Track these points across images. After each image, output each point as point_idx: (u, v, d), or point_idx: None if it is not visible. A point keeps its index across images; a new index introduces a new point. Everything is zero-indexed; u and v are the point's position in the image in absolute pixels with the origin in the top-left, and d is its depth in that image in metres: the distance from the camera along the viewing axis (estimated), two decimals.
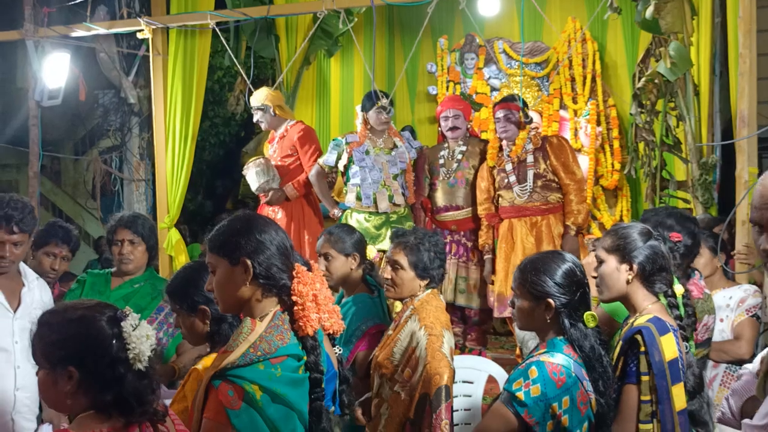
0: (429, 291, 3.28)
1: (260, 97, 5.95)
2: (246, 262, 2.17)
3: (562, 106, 7.24)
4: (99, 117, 9.63)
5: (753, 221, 1.85)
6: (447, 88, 7.74)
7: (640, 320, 2.74)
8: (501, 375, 3.98)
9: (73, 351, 1.86)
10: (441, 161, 5.76)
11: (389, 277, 3.30)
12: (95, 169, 9.26)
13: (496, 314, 5.50)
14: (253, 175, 5.83)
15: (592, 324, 2.62)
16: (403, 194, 5.58)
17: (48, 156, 8.70)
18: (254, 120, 6.10)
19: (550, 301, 2.61)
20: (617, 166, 6.94)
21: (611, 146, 7.06)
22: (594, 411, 2.57)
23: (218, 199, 10.89)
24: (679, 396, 2.67)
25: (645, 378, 2.67)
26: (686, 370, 2.76)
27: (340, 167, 5.73)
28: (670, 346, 2.68)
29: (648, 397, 2.66)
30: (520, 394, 2.49)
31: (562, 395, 2.48)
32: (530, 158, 5.38)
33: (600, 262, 2.88)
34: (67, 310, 1.98)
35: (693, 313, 3.02)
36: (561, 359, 2.54)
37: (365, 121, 5.61)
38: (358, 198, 5.55)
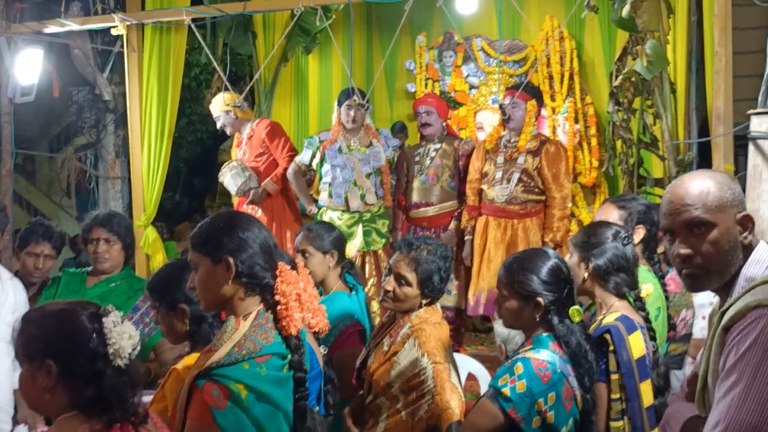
0: (428, 306, 3.10)
1: (216, 106, 5.94)
2: (228, 260, 2.15)
3: (541, 104, 7.25)
4: (73, 114, 9.51)
5: (663, 229, 1.92)
6: (425, 85, 7.73)
7: (609, 318, 2.77)
8: (480, 372, 3.98)
9: (52, 344, 1.84)
10: (417, 158, 5.77)
11: (391, 289, 3.08)
12: (70, 166, 9.15)
13: (468, 312, 5.52)
14: (229, 179, 5.81)
15: (577, 318, 2.63)
16: (376, 193, 5.56)
17: (22, 154, 8.58)
18: (218, 127, 6.08)
19: (540, 300, 2.60)
20: (595, 163, 6.96)
21: (589, 144, 7.08)
22: (579, 407, 2.58)
23: (195, 197, 10.81)
24: (646, 392, 2.71)
25: (614, 377, 2.70)
26: (653, 368, 2.79)
27: (315, 165, 5.72)
28: (637, 344, 2.71)
29: (618, 395, 2.70)
30: (506, 390, 2.49)
31: (548, 391, 2.48)
32: (521, 159, 5.36)
33: (569, 254, 2.94)
34: (49, 305, 1.97)
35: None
36: (547, 355, 2.55)
37: (339, 118, 5.59)
38: (330, 196, 5.52)
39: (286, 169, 5.80)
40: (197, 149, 10.61)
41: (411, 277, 3.05)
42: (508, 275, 2.68)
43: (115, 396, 1.83)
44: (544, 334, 2.62)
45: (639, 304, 2.86)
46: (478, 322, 6.65)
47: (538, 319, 2.62)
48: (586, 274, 2.86)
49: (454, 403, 2.85)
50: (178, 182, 10.52)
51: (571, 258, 2.91)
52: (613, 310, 2.80)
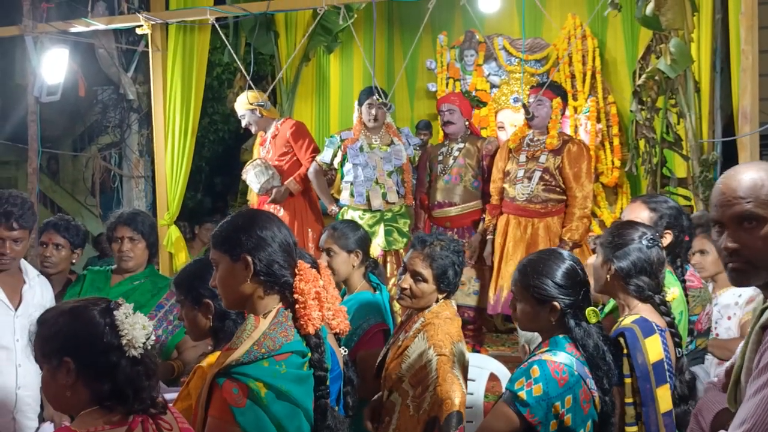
0: (442, 301, 3.13)
1: (241, 104, 5.96)
2: (246, 258, 2.16)
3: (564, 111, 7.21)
4: (98, 113, 9.60)
5: (713, 220, 1.83)
6: (446, 84, 7.74)
7: (626, 321, 2.74)
8: (503, 372, 3.96)
9: (67, 341, 1.87)
10: (440, 158, 5.75)
11: (407, 287, 3.11)
12: (95, 165, 9.23)
13: (489, 311, 5.51)
14: (253, 177, 5.83)
15: (594, 320, 2.59)
16: (398, 192, 5.56)
17: (46, 153, 8.67)
18: (243, 125, 6.11)
19: (556, 304, 2.56)
20: (617, 163, 6.94)
21: (611, 143, 7.06)
22: (598, 409, 2.55)
23: (217, 197, 10.85)
24: (664, 398, 2.66)
25: (628, 380, 2.67)
26: (676, 375, 2.75)
27: (336, 164, 5.73)
28: (654, 348, 2.67)
29: (631, 399, 2.66)
30: (522, 394, 2.46)
31: (565, 394, 2.45)
32: (543, 158, 5.33)
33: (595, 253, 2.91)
34: (61, 305, 2.00)
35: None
36: (563, 357, 2.51)
37: (360, 116, 5.61)
38: (352, 195, 5.54)
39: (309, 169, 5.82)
40: (219, 149, 10.65)
41: (426, 273, 3.08)
42: (523, 279, 2.63)
43: (131, 387, 1.86)
44: (561, 336, 2.58)
45: (664, 309, 2.81)
46: (499, 323, 6.64)
47: (554, 323, 2.59)
48: (608, 276, 2.82)
49: (454, 395, 2.87)
50: (200, 181, 10.56)
51: (597, 258, 2.88)
52: (634, 313, 2.77)
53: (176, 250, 6.36)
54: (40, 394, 3.51)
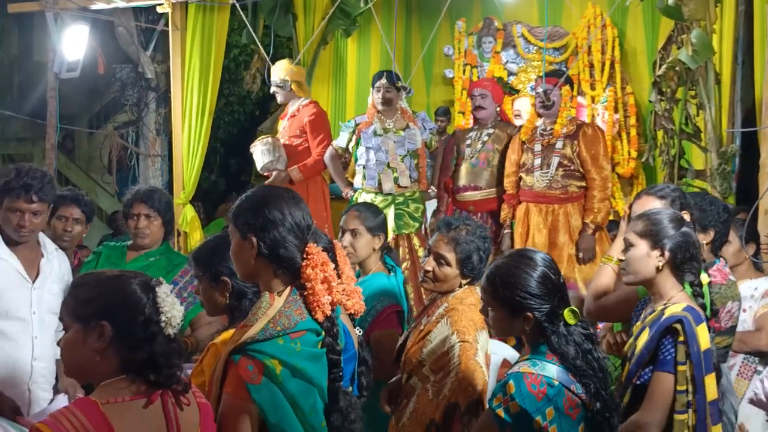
0: (466, 287, 3.10)
1: (281, 70, 5.94)
2: (252, 239, 2.16)
3: (580, 93, 7.19)
4: (116, 92, 9.61)
5: None
6: (463, 71, 7.73)
7: (675, 309, 2.69)
8: (515, 358, 3.95)
9: (108, 306, 1.87)
10: (468, 141, 5.74)
11: (431, 269, 3.07)
12: (112, 143, 9.25)
13: None
14: (258, 154, 5.83)
15: (573, 321, 2.44)
16: (411, 176, 5.55)
17: (62, 131, 8.70)
18: (271, 91, 6.10)
19: (529, 314, 2.43)
20: (633, 154, 6.92)
21: (628, 134, 7.04)
22: (592, 410, 2.43)
23: (232, 178, 10.87)
24: (710, 386, 2.64)
25: (682, 368, 2.62)
26: None
27: (351, 148, 5.73)
28: (704, 336, 2.64)
29: (684, 387, 2.62)
30: (500, 412, 2.37)
31: (545, 407, 2.34)
32: (559, 144, 5.32)
33: (629, 245, 2.84)
34: (102, 271, 2.00)
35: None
36: (542, 368, 2.39)
37: (373, 100, 5.61)
38: (365, 178, 5.55)
39: (315, 162, 5.82)
40: (234, 130, 10.65)
41: (450, 257, 3.06)
42: (492, 289, 2.50)
43: (165, 360, 1.87)
44: (542, 342, 2.45)
45: (698, 291, 2.78)
46: None
47: (528, 331, 2.47)
48: (660, 263, 2.75)
49: (477, 382, 2.85)
50: (215, 163, 10.57)
51: (637, 248, 2.80)
52: (675, 301, 2.72)
53: (191, 230, 6.38)
54: (55, 366, 3.55)
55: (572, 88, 5.55)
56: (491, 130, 5.70)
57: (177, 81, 6.51)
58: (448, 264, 3.06)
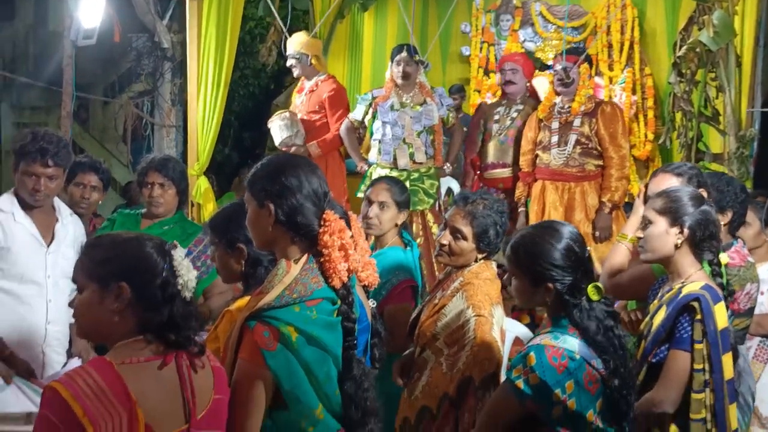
0: (482, 262, 3.07)
1: (298, 43, 5.90)
2: (269, 206, 2.15)
3: (598, 73, 7.12)
4: (132, 61, 9.59)
5: None
6: (480, 49, 7.65)
7: (693, 287, 2.67)
8: (528, 337, 3.95)
9: (125, 267, 1.86)
10: (496, 117, 5.71)
11: (446, 243, 3.05)
12: (127, 113, 9.24)
13: None
14: (276, 129, 5.81)
15: (596, 297, 2.43)
16: (426, 152, 5.53)
17: (76, 100, 8.70)
18: (288, 64, 6.06)
19: (550, 285, 2.43)
20: (650, 136, 6.85)
21: (645, 116, 6.96)
22: (610, 387, 2.42)
23: (245, 152, 10.86)
24: (727, 365, 2.62)
25: (699, 346, 2.61)
26: None
27: (367, 122, 5.71)
28: (722, 315, 2.63)
29: (701, 366, 2.60)
30: (519, 383, 2.36)
31: (565, 380, 2.34)
32: (577, 121, 5.28)
33: (648, 222, 2.81)
34: (118, 233, 2.00)
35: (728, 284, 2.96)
36: (564, 341, 2.38)
37: (392, 74, 5.57)
38: (380, 153, 5.53)
39: (334, 138, 5.80)
40: (249, 104, 10.63)
41: (467, 230, 3.03)
42: (516, 258, 2.50)
43: (184, 324, 1.87)
44: (564, 316, 2.45)
45: (717, 270, 2.77)
46: None
47: (549, 303, 2.47)
48: (679, 241, 2.73)
49: (492, 356, 2.85)
50: (229, 136, 10.55)
51: (656, 226, 2.77)
52: (693, 279, 2.71)
53: (204, 201, 6.37)
54: (69, 330, 3.57)
55: (591, 67, 5.49)
56: (520, 107, 5.67)
57: (193, 51, 6.47)
58: (465, 238, 3.04)
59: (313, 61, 5.90)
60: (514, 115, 5.63)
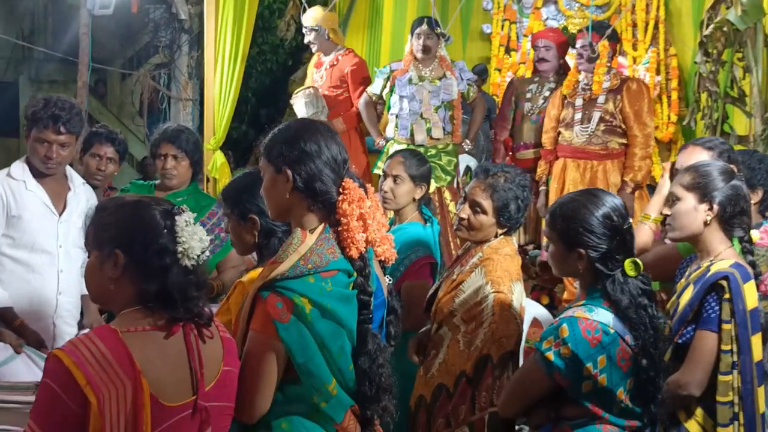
0: (502, 237, 3.00)
1: (315, 16, 5.83)
2: (287, 171, 2.08)
3: (621, 53, 7.00)
4: (149, 32, 9.53)
5: None
6: (502, 27, 7.56)
7: (722, 265, 2.59)
8: (545, 317, 3.89)
9: (122, 233, 1.80)
10: (528, 95, 5.63)
11: (466, 217, 2.98)
12: (143, 85, 9.21)
13: (543, 258, 5.39)
14: (301, 106, 5.76)
15: (632, 273, 2.36)
16: (444, 128, 5.44)
17: (95, 74, 8.66)
18: (305, 41, 6.02)
19: (581, 251, 2.37)
20: (674, 118, 6.75)
21: (669, 97, 6.86)
22: (638, 366, 2.37)
23: (262, 129, 10.81)
24: (757, 346, 2.54)
25: (727, 326, 2.52)
26: None
27: (385, 96, 5.64)
28: (752, 295, 2.55)
29: (728, 347, 2.52)
30: (550, 355, 2.31)
31: (597, 354, 2.28)
32: (602, 98, 5.18)
33: (675, 199, 2.72)
34: (125, 196, 1.94)
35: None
36: (599, 314, 2.32)
37: (411, 47, 5.48)
38: (397, 128, 5.46)
39: (359, 112, 5.75)
40: (266, 80, 10.55)
41: (486, 204, 2.95)
42: (552, 220, 2.46)
43: (180, 293, 1.79)
44: (598, 287, 2.39)
45: (748, 247, 2.69)
46: None
47: (581, 270, 2.41)
48: (708, 217, 2.65)
49: (510, 334, 2.78)
50: (246, 112, 10.49)
51: (684, 202, 2.69)
52: (723, 257, 2.62)
53: (221, 176, 6.32)
54: (80, 300, 3.53)
55: (617, 45, 5.38)
56: (553, 85, 5.58)
57: (210, 23, 6.40)
58: (484, 212, 2.95)
59: (330, 35, 5.84)
60: (547, 93, 5.56)
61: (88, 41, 6.92)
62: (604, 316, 2.33)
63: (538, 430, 2.48)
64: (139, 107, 9.74)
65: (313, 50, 6.11)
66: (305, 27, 5.95)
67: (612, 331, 2.31)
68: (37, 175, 3.42)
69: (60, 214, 3.46)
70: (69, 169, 3.58)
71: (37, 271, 3.41)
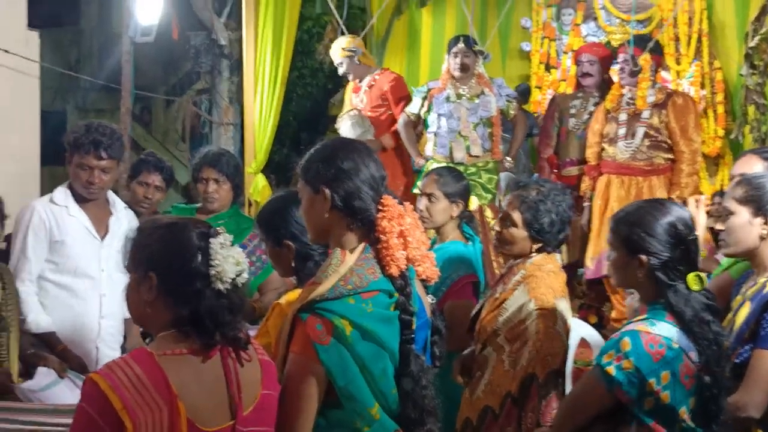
0: (545, 254, 2.93)
1: (339, 49, 5.91)
2: (325, 191, 2.05)
3: (664, 67, 6.89)
4: (191, 58, 9.68)
5: None
6: (541, 44, 7.51)
7: None
8: (594, 338, 3.79)
9: (155, 255, 1.79)
10: (572, 111, 5.56)
11: (499, 230, 2.97)
12: (185, 111, 9.34)
13: (587, 276, 5.29)
14: (348, 127, 5.77)
15: (696, 287, 2.29)
16: (483, 146, 5.39)
17: (139, 103, 8.81)
18: (340, 72, 6.05)
19: (643, 257, 2.31)
20: (720, 132, 6.61)
21: (715, 111, 6.72)
22: (701, 384, 2.29)
23: (303, 152, 10.87)
24: None
25: None
26: None
27: (423, 114, 5.62)
28: None
29: None
30: (611, 369, 2.23)
31: (660, 370, 2.21)
32: (646, 113, 5.08)
33: (728, 213, 2.63)
34: (162, 218, 1.94)
35: None
36: (662, 329, 2.25)
37: (449, 66, 5.46)
38: (436, 146, 5.43)
39: None
40: (306, 104, 10.65)
41: (516, 216, 2.90)
42: (615, 226, 2.43)
43: (211, 318, 1.76)
44: (662, 302, 2.32)
45: None
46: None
47: (642, 279, 2.35)
48: (764, 231, 2.56)
49: (556, 351, 2.72)
50: (287, 136, 10.59)
51: (737, 216, 2.60)
52: None
53: (262, 199, 6.35)
54: (123, 325, 3.54)
55: (661, 58, 5.29)
56: (597, 100, 5.50)
57: (250, 49, 6.47)
58: (514, 224, 2.91)
59: (360, 60, 5.88)
60: (592, 108, 5.47)
61: (131, 68, 7.04)
62: (667, 330, 2.26)
63: None
64: (182, 133, 9.88)
65: (350, 79, 6.15)
66: (336, 63, 6.02)
67: (676, 346, 2.24)
68: (80, 200, 3.46)
69: (102, 239, 3.48)
70: (111, 194, 3.61)
71: (80, 296, 3.43)
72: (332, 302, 1.94)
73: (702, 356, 2.24)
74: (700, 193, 5.62)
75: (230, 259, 1.80)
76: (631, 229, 2.36)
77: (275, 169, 9.26)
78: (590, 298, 5.60)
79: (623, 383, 2.22)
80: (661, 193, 5.05)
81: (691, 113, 5.08)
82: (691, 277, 2.30)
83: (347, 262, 2.01)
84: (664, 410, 2.23)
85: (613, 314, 5.19)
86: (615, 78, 5.69)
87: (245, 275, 1.87)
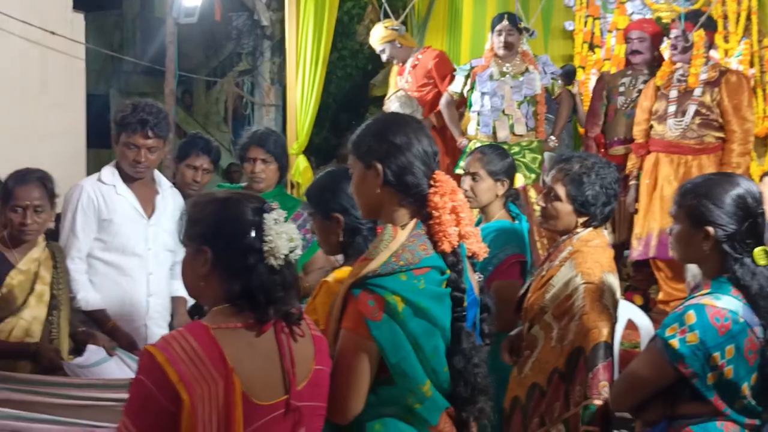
0: (591, 229, 2.87)
1: (378, 37, 5.89)
2: (377, 166, 2.04)
3: (713, 46, 6.74)
4: (233, 40, 9.71)
5: None
6: (585, 23, 7.38)
7: None
8: (642, 321, 3.72)
9: (210, 229, 1.79)
10: (621, 89, 5.44)
11: (543, 205, 2.92)
12: (228, 92, 9.38)
13: (633, 257, 5.19)
14: (397, 107, 5.77)
15: (762, 262, 2.24)
16: (527, 124, 5.31)
17: (181, 86, 8.85)
18: (384, 60, 6.06)
19: (709, 229, 2.27)
20: None
21: (764, 90, 6.56)
22: (764, 360, 2.24)
23: (342, 133, 10.87)
24: None
25: None
26: None
27: (466, 93, 5.56)
28: None
29: None
30: (674, 342, 2.19)
31: (726, 344, 2.17)
32: (698, 91, 4.96)
33: None
34: (218, 193, 1.93)
35: None
36: (728, 302, 2.21)
37: (492, 44, 5.40)
38: (479, 125, 5.36)
39: None
40: (346, 85, 10.61)
41: (560, 190, 2.85)
42: (681, 198, 2.38)
43: (264, 294, 1.76)
44: (726, 277, 2.27)
45: None
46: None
47: (707, 252, 2.30)
48: None
49: (602, 324, 2.65)
50: (327, 118, 10.58)
51: None
52: None
53: (303, 180, 6.37)
54: (170, 303, 3.57)
55: (713, 34, 5.14)
56: (647, 77, 5.38)
57: (292, 29, 6.48)
58: (558, 198, 2.86)
59: (401, 42, 5.88)
60: (641, 86, 5.34)
61: (175, 50, 7.07)
62: (732, 303, 2.21)
63: (650, 428, 2.36)
64: (224, 114, 9.92)
65: (394, 63, 6.14)
66: (377, 51, 6.02)
67: (741, 320, 2.20)
68: (127, 179, 3.49)
69: (149, 218, 3.51)
70: (157, 173, 3.63)
71: (128, 274, 3.46)
72: (384, 278, 1.92)
73: (767, 331, 2.20)
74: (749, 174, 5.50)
75: (284, 235, 1.79)
76: (698, 200, 2.30)
77: (315, 151, 9.27)
78: (636, 280, 5.50)
79: (687, 356, 2.19)
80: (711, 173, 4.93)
81: (744, 92, 4.93)
82: (758, 251, 2.26)
83: (399, 238, 1.99)
84: (727, 385, 2.20)
85: (660, 296, 5.10)
86: (666, 55, 5.57)
87: (298, 252, 1.85)
